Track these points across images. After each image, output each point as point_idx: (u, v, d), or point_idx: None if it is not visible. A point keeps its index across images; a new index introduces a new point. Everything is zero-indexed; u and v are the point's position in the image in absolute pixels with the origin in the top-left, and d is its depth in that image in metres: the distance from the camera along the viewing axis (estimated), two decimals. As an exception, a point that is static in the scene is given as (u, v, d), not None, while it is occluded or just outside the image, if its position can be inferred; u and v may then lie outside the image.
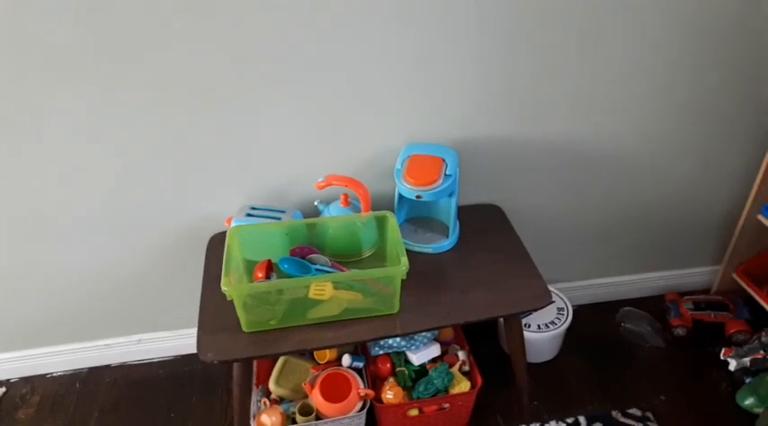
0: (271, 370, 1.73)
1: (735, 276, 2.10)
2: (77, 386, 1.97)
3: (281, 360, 1.74)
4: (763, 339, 1.91)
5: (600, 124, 1.76)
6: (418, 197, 1.55)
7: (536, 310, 1.58)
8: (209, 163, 1.63)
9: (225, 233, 1.66)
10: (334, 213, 1.64)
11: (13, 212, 1.63)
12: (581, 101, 1.70)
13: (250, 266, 1.52)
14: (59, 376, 2.01)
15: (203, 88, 1.50)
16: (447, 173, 1.55)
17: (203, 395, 1.92)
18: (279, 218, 1.62)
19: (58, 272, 1.78)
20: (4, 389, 1.96)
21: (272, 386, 1.69)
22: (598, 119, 1.75)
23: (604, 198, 1.95)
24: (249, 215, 1.63)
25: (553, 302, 1.96)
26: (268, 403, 1.67)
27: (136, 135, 1.55)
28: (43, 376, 2.01)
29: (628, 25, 1.58)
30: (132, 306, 1.90)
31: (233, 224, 1.61)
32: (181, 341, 2.01)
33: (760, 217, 1.94)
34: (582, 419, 1.80)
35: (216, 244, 1.69)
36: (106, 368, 2.02)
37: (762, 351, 1.88)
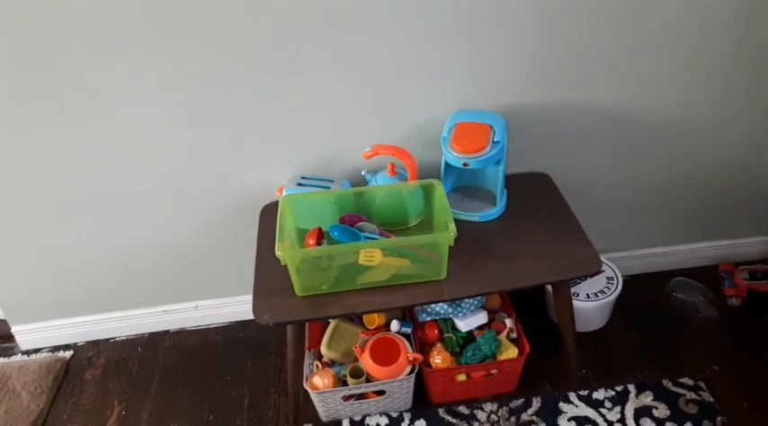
0: (322, 335, 1.78)
1: (794, 245, 2.03)
2: (139, 349, 2.08)
3: (331, 325, 1.79)
4: (824, 309, 1.85)
5: (652, 91, 1.72)
6: (465, 165, 1.55)
7: (586, 277, 1.58)
8: (262, 135, 1.67)
9: (277, 202, 1.70)
10: (381, 182, 1.66)
11: (75, 186, 1.71)
12: (632, 67, 1.66)
13: (301, 234, 1.56)
14: (122, 340, 2.12)
15: (251, 60, 1.53)
16: (495, 139, 1.55)
17: (257, 359, 1.99)
18: (328, 187, 1.65)
19: (119, 244, 1.87)
20: (72, 352, 2.09)
21: (323, 349, 1.74)
22: (650, 87, 1.71)
23: (657, 166, 1.91)
24: (300, 184, 1.67)
25: (603, 271, 1.94)
26: (320, 365, 1.72)
27: (191, 109, 1.60)
28: (107, 340, 2.12)
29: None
30: (189, 274, 1.99)
31: (284, 193, 1.65)
32: (235, 307, 2.09)
33: (822, 184, 1.86)
34: (631, 387, 1.79)
35: (268, 214, 1.74)
36: (165, 334, 2.12)
37: (822, 322, 1.83)
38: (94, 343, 2.11)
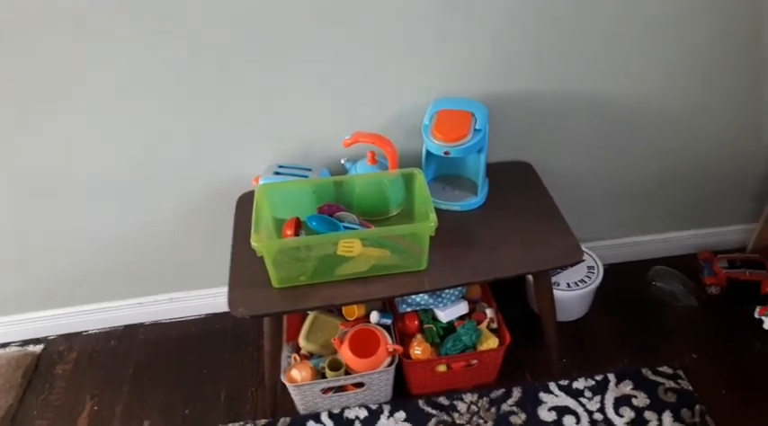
0: (300, 327, 1.75)
1: (772, 234, 2.05)
2: (112, 343, 2.03)
3: (310, 317, 1.75)
4: (801, 297, 1.87)
5: (635, 82, 1.70)
6: (446, 153, 1.52)
7: (567, 267, 1.56)
8: (237, 122, 1.62)
9: (253, 192, 1.66)
10: (362, 171, 1.63)
11: (44, 172, 1.64)
12: (615, 55, 1.64)
13: (279, 224, 1.52)
14: (95, 333, 2.06)
15: (226, 45, 1.48)
16: (476, 127, 1.52)
17: (234, 352, 1.96)
18: (306, 176, 1.61)
19: (90, 234, 1.80)
20: (42, 346, 2.03)
21: (301, 341, 1.71)
22: (634, 77, 1.69)
23: (638, 155, 1.90)
24: (277, 173, 1.63)
25: (584, 260, 1.93)
26: (298, 358, 1.69)
27: (164, 94, 1.54)
28: (79, 333, 2.06)
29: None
30: (163, 265, 1.93)
31: (261, 182, 1.60)
32: (211, 299, 2.05)
33: (801, 173, 1.87)
34: (611, 376, 1.79)
35: (244, 204, 1.69)
36: (140, 326, 2.07)
37: (798, 310, 1.84)
38: (66, 337, 2.05)
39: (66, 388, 1.88)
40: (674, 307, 2.03)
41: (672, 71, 1.70)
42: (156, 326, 2.07)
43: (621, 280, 2.09)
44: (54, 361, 1.97)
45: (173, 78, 1.51)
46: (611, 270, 2.06)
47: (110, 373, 1.92)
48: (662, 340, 1.92)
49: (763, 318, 1.88)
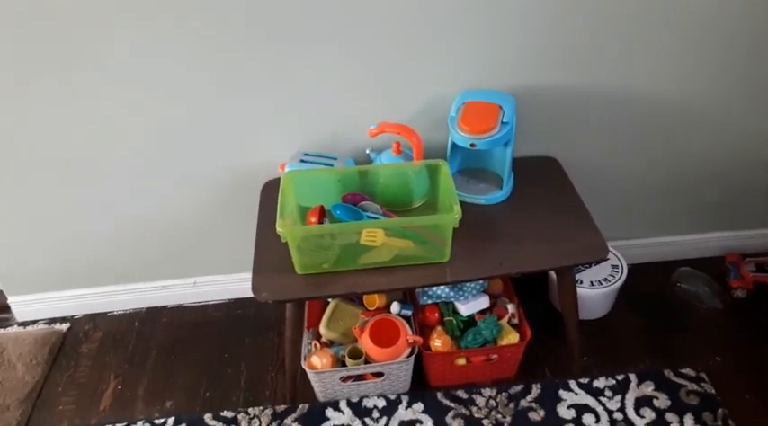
0: (322, 315, 1.76)
1: (803, 238, 2.00)
2: (136, 324, 2.06)
3: (331, 305, 1.76)
4: (831, 303, 1.83)
5: (666, 78, 1.67)
6: (472, 145, 1.52)
7: (592, 264, 1.55)
8: (265, 109, 1.64)
9: (278, 179, 1.67)
10: (386, 161, 1.63)
11: (73, 155, 1.68)
12: (647, 53, 1.62)
13: (303, 212, 1.54)
14: (120, 314, 2.10)
15: (255, 29, 1.49)
16: (504, 120, 1.51)
17: (255, 338, 1.98)
18: (331, 165, 1.62)
19: (117, 216, 1.84)
20: (68, 325, 2.07)
21: (322, 329, 1.72)
22: (665, 73, 1.66)
23: (667, 155, 1.87)
24: (303, 161, 1.64)
25: (608, 259, 1.91)
26: (318, 345, 1.71)
27: (191, 79, 1.56)
28: (104, 314, 2.10)
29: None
30: (188, 249, 1.96)
31: (286, 169, 1.62)
32: (234, 285, 2.07)
33: (836, 177, 1.83)
34: (632, 376, 1.77)
35: (270, 190, 1.71)
36: (163, 309, 2.10)
37: (828, 316, 1.81)
38: (91, 317, 2.09)
39: (91, 367, 1.92)
40: (698, 309, 2.00)
41: (704, 69, 1.67)
42: (180, 309, 2.10)
43: (646, 281, 2.07)
44: (80, 340, 2.02)
45: (201, 62, 1.53)
46: (636, 270, 2.04)
47: (134, 353, 1.95)
48: (685, 342, 1.89)
49: (791, 323, 1.85)
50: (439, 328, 1.71)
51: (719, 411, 1.67)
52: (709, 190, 1.99)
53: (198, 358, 1.92)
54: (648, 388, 1.74)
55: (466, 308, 1.72)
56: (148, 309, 2.11)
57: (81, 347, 1.99)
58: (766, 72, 1.70)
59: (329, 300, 1.79)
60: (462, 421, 1.68)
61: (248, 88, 1.59)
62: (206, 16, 1.45)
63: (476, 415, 1.69)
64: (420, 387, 1.77)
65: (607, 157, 1.85)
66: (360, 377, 1.69)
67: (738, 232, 2.14)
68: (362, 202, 1.53)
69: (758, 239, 2.15)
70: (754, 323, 1.93)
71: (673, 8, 1.54)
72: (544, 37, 1.57)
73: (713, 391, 1.72)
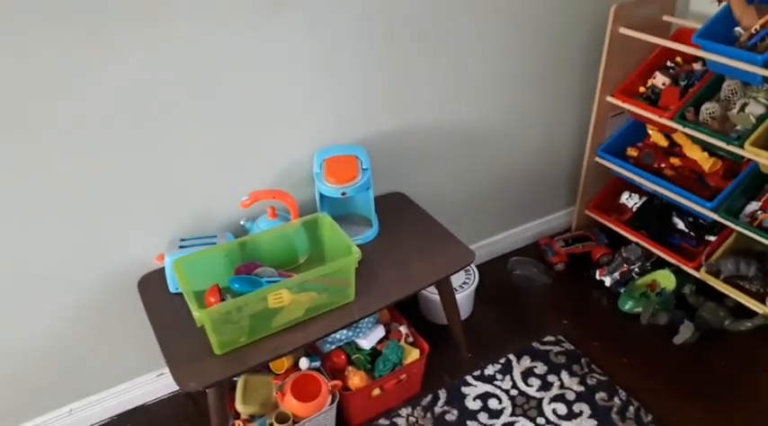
0: (233, 395, 1.74)
1: (587, 212, 2.53)
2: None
3: (240, 381, 1.75)
4: (624, 255, 2.34)
5: (468, 107, 2.06)
6: (343, 194, 1.69)
7: (467, 266, 1.81)
8: (127, 205, 1.61)
9: (154, 272, 1.66)
10: (264, 227, 1.71)
11: None
12: (450, 90, 1.98)
13: (197, 296, 1.53)
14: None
15: (109, 130, 1.49)
16: (363, 167, 1.71)
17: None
18: (214, 243, 1.65)
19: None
20: None
21: (239, 406, 1.70)
22: (465, 104, 2.05)
23: (479, 169, 2.25)
24: (181, 247, 1.64)
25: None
26: (241, 424, 1.69)
27: (41, 181, 1.49)
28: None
29: (471, 25, 1.89)
30: (58, 373, 1.77)
31: (167, 259, 1.60)
32: (116, 399, 1.88)
33: (597, 159, 2.37)
34: (511, 356, 2.07)
35: (148, 284, 1.67)
36: (36, 453, 1.85)
37: (625, 265, 2.32)
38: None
39: None
40: (535, 288, 2.40)
41: (494, 95, 2.09)
42: (56, 447, 1.87)
43: (491, 276, 2.42)
44: None
45: (54, 155, 1.47)
46: (481, 270, 2.37)
47: None
48: (537, 316, 2.26)
49: (604, 278, 2.33)
50: (349, 368, 1.82)
51: (583, 360, 2.04)
52: (514, 191, 2.42)
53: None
54: (527, 362, 2.05)
55: (367, 342, 1.85)
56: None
57: None
58: (547, 96, 2.18)
59: (235, 378, 1.77)
60: (393, 445, 1.80)
61: (108, 188, 1.56)
62: (63, 119, 1.41)
63: (402, 436, 1.83)
64: (343, 430, 1.84)
65: (440, 181, 2.16)
66: (290, 439, 1.71)
67: (542, 219, 2.62)
68: (257, 269, 1.59)
69: (558, 220, 2.66)
70: (578, 286, 2.39)
71: (463, 55, 1.92)
72: (369, 95, 1.83)
73: (572, 347, 2.10)
